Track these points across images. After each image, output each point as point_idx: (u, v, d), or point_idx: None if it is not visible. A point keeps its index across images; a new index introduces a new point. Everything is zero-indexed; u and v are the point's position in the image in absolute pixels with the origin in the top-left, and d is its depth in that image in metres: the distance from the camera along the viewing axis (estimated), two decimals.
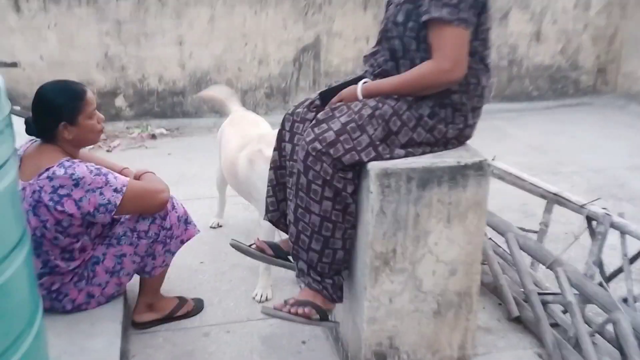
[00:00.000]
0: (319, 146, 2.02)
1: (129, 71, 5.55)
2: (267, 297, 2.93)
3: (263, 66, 5.76)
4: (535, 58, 6.19)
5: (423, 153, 2.11)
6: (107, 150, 5.03)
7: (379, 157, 2.04)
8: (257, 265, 2.94)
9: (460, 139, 2.18)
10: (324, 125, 2.07)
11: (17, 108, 4.30)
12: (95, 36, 5.36)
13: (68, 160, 2.24)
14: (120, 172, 2.66)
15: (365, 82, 2.17)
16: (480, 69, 2.11)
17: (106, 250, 2.46)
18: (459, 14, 1.93)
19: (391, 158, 2.05)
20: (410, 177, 2.03)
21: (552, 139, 5.38)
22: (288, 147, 2.27)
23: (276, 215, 2.41)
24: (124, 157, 4.91)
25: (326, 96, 2.22)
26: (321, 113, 2.14)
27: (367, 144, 2.04)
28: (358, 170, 2.08)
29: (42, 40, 5.25)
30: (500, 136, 5.48)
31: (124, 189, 2.28)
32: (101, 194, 2.24)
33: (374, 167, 2.02)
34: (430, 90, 2.05)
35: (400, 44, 2.08)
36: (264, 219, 2.48)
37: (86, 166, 2.25)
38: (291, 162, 2.23)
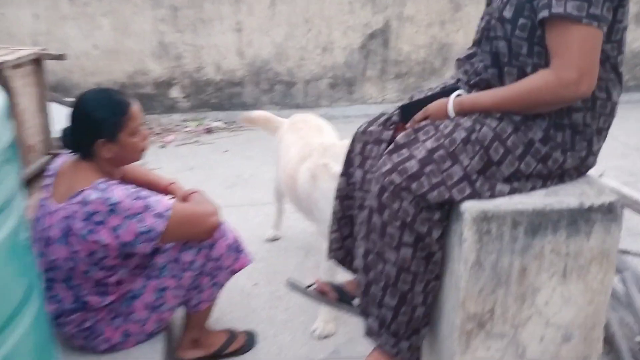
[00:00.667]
0: (398, 179, 1.60)
1: (185, 60, 5.26)
2: (328, 332, 2.55)
3: (327, 54, 5.34)
4: (633, 44, 5.49)
5: (533, 189, 1.65)
6: (161, 146, 4.75)
7: (475, 195, 1.60)
8: None
9: (580, 169, 1.70)
10: (405, 152, 1.64)
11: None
12: (150, 23, 5.08)
13: (104, 182, 1.95)
14: (166, 188, 2.36)
15: (459, 95, 1.71)
16: (611, 80, 1.63)
17: (146, 283, 2.16)
18: (589, 9, 1.45)
19: (492, 196, 1.61)
20: (516, 222, 1.58)
21: None
22: (358, 173, 1.85)
23: (341, 253, 2.00)
24: (178, 154, 4.62)
25: (408, 111, 1.79)
26: (401, 135, 1.70)
27: (461, 177, 1.60)
28: (447, 209, 1.64)
29: (95, 28, 5.02)
30: None
31: (168, 213, 1.97)
32: (141, 220, 1.94)
33: (470, 208, 1.57)
34: (546, 108, 1.59)
35: (506, 46, 1.62)
36: (327, 258, 2.08)
37: (124, 189, 1.95)
38: (361, 194, 1.81)
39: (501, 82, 1.68)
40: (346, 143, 2.47)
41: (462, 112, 1.68)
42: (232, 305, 2.73)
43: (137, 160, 2.22)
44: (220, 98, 5.38)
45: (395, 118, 1.83)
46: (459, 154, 1.61)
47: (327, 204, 2.33)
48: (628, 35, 1.64)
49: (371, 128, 1.85)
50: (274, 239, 3.33)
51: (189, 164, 4.37)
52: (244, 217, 3.58)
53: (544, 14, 1.49)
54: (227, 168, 4.29)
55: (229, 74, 5.33)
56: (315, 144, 2.64)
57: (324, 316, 2.55)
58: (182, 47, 5.22)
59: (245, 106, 5.41)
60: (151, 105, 5.24)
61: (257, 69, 5.33)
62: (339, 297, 2.01)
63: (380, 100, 5.50)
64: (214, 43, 5.22)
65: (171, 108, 5.33)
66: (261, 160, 4.38)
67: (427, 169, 1.61)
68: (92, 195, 1.90)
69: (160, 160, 4.47)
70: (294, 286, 2.08)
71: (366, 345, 2.41)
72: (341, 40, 5.31)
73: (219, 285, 2.24)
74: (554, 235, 1.59)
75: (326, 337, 2.52)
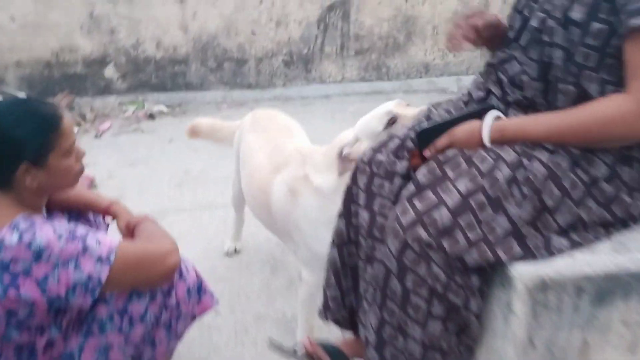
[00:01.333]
0: (425, 235, 1.20)
1: (120, 35, 4.66)
2: None
3: (281, 28, 4.84)
4: None
5: (595, 239, 1.27)
6: (96, 136, 4.17)
7: (527, 254, 1.23)
8: (290, 318, 2.16)
9: None
10: (431, 196, 1.24)
11: None
12: None
13: (25, 219, 1.52)
14: (106, 211, 1.91)
15: (497, 118, 1.31)
16: None
17: (83, 341, 1.70)
18: None
19: (547, 254, 1.22)
20: (581, 290, 1.22)
21: None
22: (363, 215, 1.43)
23: (341, 314, 1.59)
24: (116, 145, 4.05)
25: (426, 137, 1.37)
26: (422, 172, 1.30)
27: (507, 231, 1.22)
28: (487, 273, 1.25)
29: None
30: None
31: (112, 256, 1.55)
32: (77, 267, 1.52)
33: (524, 274, 1.20)
34: (617, 142, 1.22)
35: (563, 56, 1.22)
36: (321, 318, 1.66)
37: (53, 227, 1.51)
38: (370, 242, 1.40)
39: (546, 100, 1.29)
40: (327, 149, 2.05)
41: (501, 140, 1.28)
42: (190, 343, 2.29)
43: (72, 186, 1.77)
44: (161, 78, 4.81)
45: (408, 143, 1.41)
46: (504, 199, 1.22)
47: (309, 226, 1.96)
48: None
49: (379, 157, 1.42)
50: (235, 252, 2.89)
51: (130, 158, 3.83)
52: (197, 224, 3.11)
53: (634, 22, 1.09)
54: (174, 162, 3.77)
55: (171, 50, 4.76)
56: (289, 150, 2.19)
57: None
58: (116, 19, 4.60)
59: (191, 86, 4.87)
60: (82, 87, 4.64)
61: (203, 44, 4.78)
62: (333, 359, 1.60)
63: (340, 79, 5.06)
64: (153, 15, 4.64)
65: (105, 90, 4.72)
66: (211, 152, 3.86)
67: (463, 220, 1.21)
68: (10, 238, 1.46)
69: (95, 153, 3.90)
70: (277, 348, 1.68)
71: None
72: (297, 13, 4.80)
73: (178, 336, 1.82)
74: (624, 302, 1.23)
75: None
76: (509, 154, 1.25)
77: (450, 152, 1.31)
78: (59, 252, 1.48)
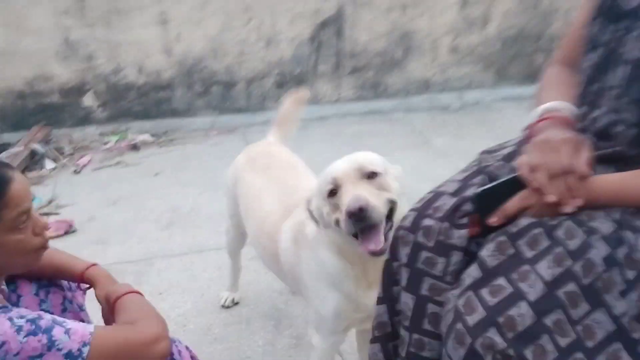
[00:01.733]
0: (500, 342, 0.89)
1: (98, 61, 4.35)
2: None
3: (272, 48, 4.54)
4: None
5: None
6: (75, 171, 3.82)
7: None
8: None
9: None
10: (504, 284, 0.94)
11: None
12: (50, 16, 4.16)
13: None
14: (80, 277, 1.59)
15: None
16: None
17: None
18: None
19: None
20: None
21: None
22: (407, 301, 1.11)
23: None
24: (97, 181, 3.72)
25: (489, 198, 1.05)
26: (489, 249, 0.98)
27: (611, 333, 0.90)
28: None
29: None
30: None
31: (86, 350, 1.24)
32: None
33: None
34: None
35: None
36: None
37: (8, 318, 1.21)
38: (417, 336, 1.08)
39: None
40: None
41: (593, 205, 0.97)
42: None
43: (31, 265, 1.44)
44: (144, 105, 4.49)
45: (464, 207, 1.09)
46: (604, 288, 0.90)
47: (310, 281, 1.71)
48: None
49: (427, 222, 1.10)
50: (233, 304, 2.56)
51: (112, 196, 3.49)
52: (188, 271, 2.79)
53: None
54: (161, 199, 3.44)
55: (154, 75, 4.45)
56: (301, 192, 1.87)
57: None
58: (94, 44, 4.30)
59: (176, 113, 4.55)
60: (59, 118, 4.34)
61: (188, 68, 4.47)
62: None
63: (335, 99, 4.76)
64: (133, 38, 4.33)
65: (85, 120, 4.40)
66: (201, 186, 3.55)
67: (551, 319, 0.89)
68: None
69: (74, 191, 3.57)
70: None
71: None
72: (288, 31, 4.52)
73: None
74: None
75: None
76: (604, 225, 0.95)
77: (524, 222, 1.00)
78: (18, 350, 1.17)
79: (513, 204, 1.03)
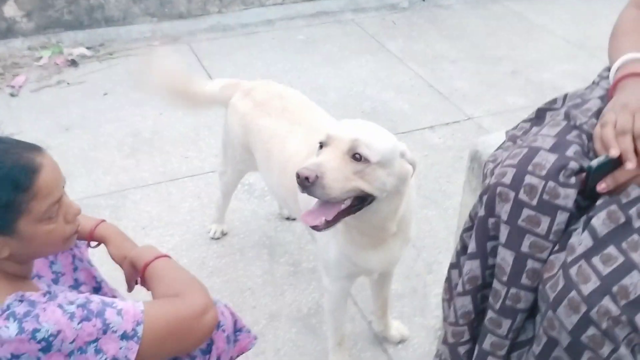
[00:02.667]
0: (614, 308, 0.93)
1: None
2: None
3: None
4: None
5: None
6: (12, 94, 3.47)
7: None
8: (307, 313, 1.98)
9: None
10: (617, 256, 0.96)
11: None
12: None
13: (20, 301, 1.15)
14: (91, 234, 1.50)
15: None
16: None
17: None
18: None
19: None
20: None
21: (590, 29, 4.30)
22: (506, 257, 1.12)
23: None
24: (40, 104, 3.40)
25: (599, 168, 1.05)
26: (600, 217, 0.99)
27: None
28: None
29: None
30: (528, 29, 4.34)
31: (140, 329, 1.22)
32: (98, 351, 1.19)
33: None
34: None
35: None
36: None
37: (59, 305, 1.15)
38: (515, 290, 1.11)
39: None
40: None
41: None
42: None
43: (62, 249, 1.36)
44: (75, 13, 4.05)
45: (572, 165, 1.07)
46: None
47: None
48: None
49: (530, 179, 1.08)
50: (222, 236, 2.52)
51: (62, 122, 3.23)
52: (167, 203, 2.69)
53: None
54: (117, 123, 3.22)
55: None
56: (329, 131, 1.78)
57: None
58: None
59: (111, 21, 4.16)
60: None
61: None
62: None
63: (281, 1, 4.50)
64: None
65: (8, 32, 3.93)
66: (158, 106, 3.32)
67: None
68: (6, 329, 1.10)
69: (16, 117, 3.26)
70: None
71: None
72: None
73: None
74: None
75: None
76: None
77: (635, 192, 1.01)
78: (74, 337, 1.13)
79: (623, 172, 1.04)
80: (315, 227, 1.36)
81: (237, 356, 1.53)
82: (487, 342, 1.21)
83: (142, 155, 2.98)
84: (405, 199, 1.49)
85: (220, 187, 2.38)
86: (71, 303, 1.16)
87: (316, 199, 1.38)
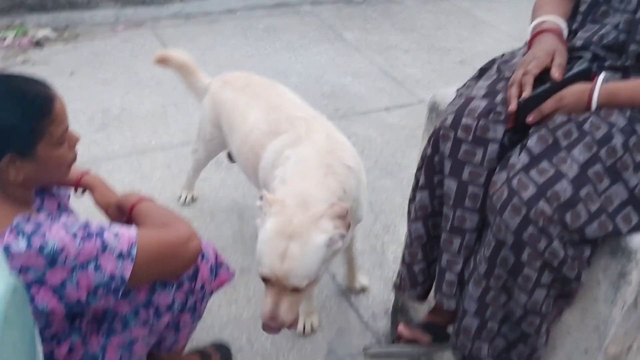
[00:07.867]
0: (548, 210, 1.16)
1: None
2: (311, 327, 2.14)
3: None
4: None
5: None
6: None
7: None
8: None
9: None
10: (548, 167, 1.19)
11: None
12: None
13: (27, 220, 1.29)
14: (77, 183, 1.69)
15: (605, 80, 1.25)
16: None
17: (106, 341, 1.55)
18: None
19: None
20: None
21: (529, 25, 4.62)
22: (450, 184, 1.34)
23: (425, 287, 1.52)
24: None
25: (526, 104, 1.28)
26: (533, 140, 1.22)
27: (625, 200, 1.19)
28: (597, 242, 1.24)
29: None
30: (474, 24, 4.65)
31: (134, 250, 1.37)
32: (97, 268, 1.33)
33: None
34: None
35: None
36: (407, 297, 1.58)
37: (63, 226, 1.29)
38: (460, 211, 1.32)
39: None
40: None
41: (611, 105, 1.23)
42: None
43: (63, 177, 1.51)
44: None
45: (500, 108, 1.31)
46: (621, 168, 1.18)
47: None
48: None
49: (465, 121, 1.31)
50: (192, 201, 2.67)
51: None
52: (137, 172, 2.81)
53: None
54: (85, 101, 3.31)
55: None
56: (293, 115, 1.96)
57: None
58: None
59: (75, 5, 4.23)
60: None
61: None
62: (433, 336, 1.55)
63: None
64: None
65: None
66: (124, 85, 3.45)
67: (584, 192, 1.17)
68: (16, 244, 1.23)
69: None
70: (377, 355, 1.60)
71: (362, 338, 2.04)
72: None
73: (200, 317, 1.71)
74: None
75: (310, 332, 2.11)
76: (618, 119, 1.22)
77: (559, 118, 1.24)
78: (76, 254, 1.28)
79: (549, 104, 1.26)
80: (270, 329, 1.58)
81: (217, 288, 1.68)
82: (444, 260, 1.42)
83: (112, 130, 3.09)
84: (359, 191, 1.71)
85: (192, 163, 2.53)
86: (74, 225, 1.31)
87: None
